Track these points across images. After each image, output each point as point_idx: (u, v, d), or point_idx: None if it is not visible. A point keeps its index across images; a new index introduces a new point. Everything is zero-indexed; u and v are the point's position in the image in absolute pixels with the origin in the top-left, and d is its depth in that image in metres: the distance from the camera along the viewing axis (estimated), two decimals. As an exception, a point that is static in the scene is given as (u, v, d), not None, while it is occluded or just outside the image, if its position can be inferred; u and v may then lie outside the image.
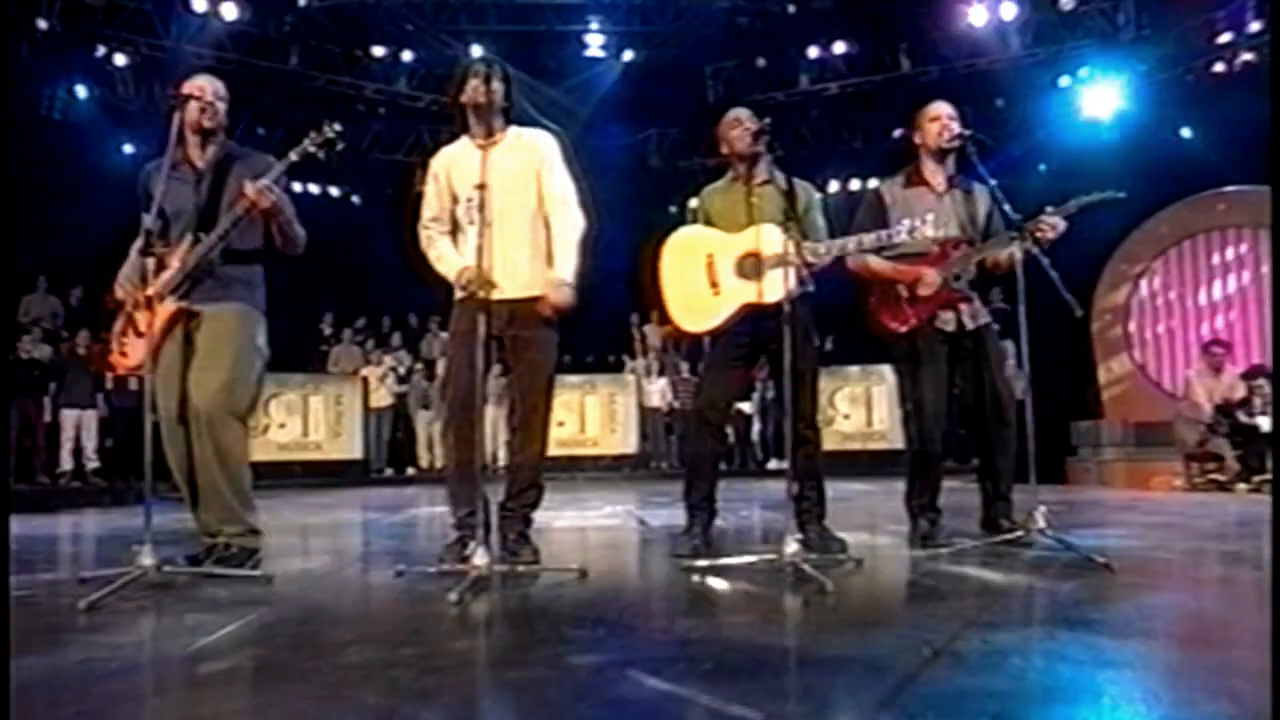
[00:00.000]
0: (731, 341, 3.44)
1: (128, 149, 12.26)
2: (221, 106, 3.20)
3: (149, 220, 3.20)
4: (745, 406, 10.99)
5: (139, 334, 3.17)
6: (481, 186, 2.87)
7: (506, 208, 3.06)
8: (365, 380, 10.75)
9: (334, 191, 13.44)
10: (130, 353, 3.23)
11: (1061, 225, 3.29)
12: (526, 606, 2.44)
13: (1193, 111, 11.63)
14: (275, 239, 3.14)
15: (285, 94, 11.61)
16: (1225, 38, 11.13)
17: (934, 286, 3.45)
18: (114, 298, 3.28)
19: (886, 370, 11.00)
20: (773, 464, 10.86)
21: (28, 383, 9.17)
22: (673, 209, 14.05)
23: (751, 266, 3.33)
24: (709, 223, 3.54)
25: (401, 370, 11.08)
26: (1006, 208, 3.34)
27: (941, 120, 3.54)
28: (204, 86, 3.16)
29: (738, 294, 3.35)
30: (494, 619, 2.27)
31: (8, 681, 1.52)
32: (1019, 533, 3.18)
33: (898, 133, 13.10)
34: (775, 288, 3.20)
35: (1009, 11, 11.44)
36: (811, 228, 3.45)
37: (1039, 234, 3.22)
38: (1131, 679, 1.65)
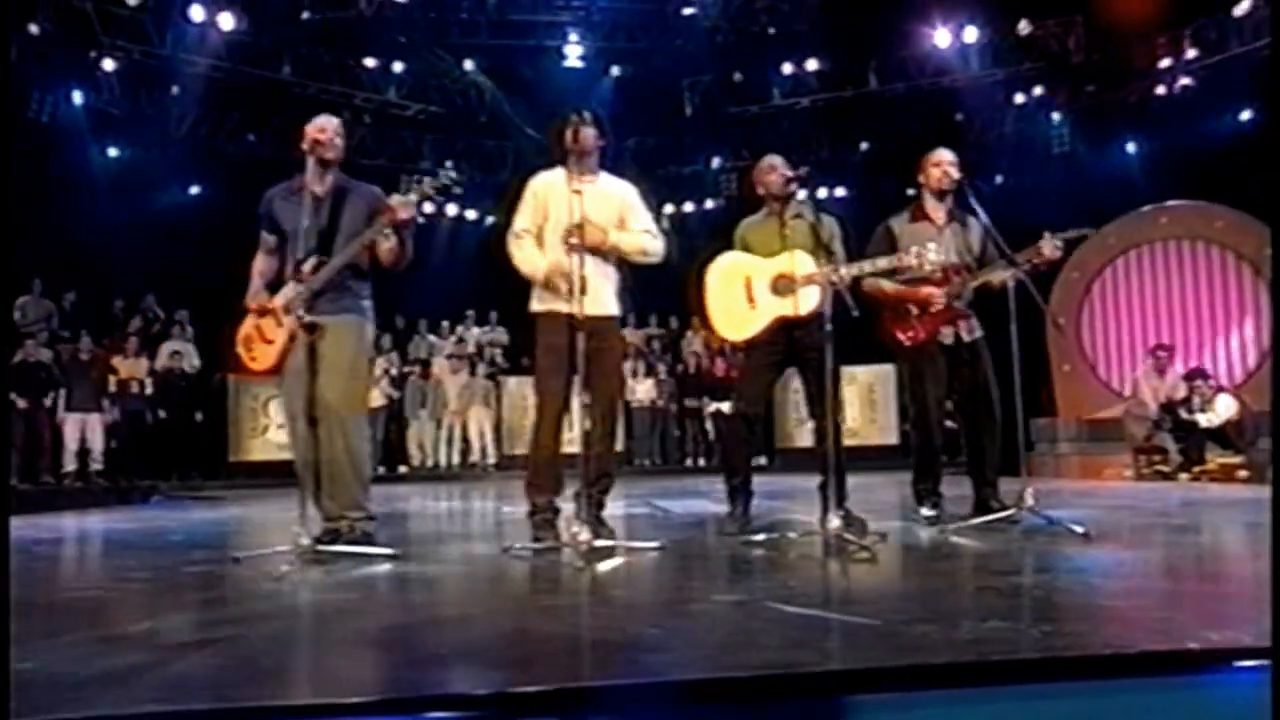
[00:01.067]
0: (766, 350, 4.07)
1: (113, 152, 12.54)
2: (340, 143, 3.72)
3: (269, 241, 3.76)
4: (724, 406, 11.65)
5: (267, 341, 3.69)
6: (579, 226, 3.47)
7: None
8: (360, 382, 11.18)
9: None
10: (259, 357, 3.73)
11: (1056, 256, 4.00)
12: (645, 569, 3.04)
13: (1137, 130, 12.65)
14: (392, 254, 3.63)
15: (276, 101, 11.98)
16: (1165, 63, 12.13)
17: (941, 304, 4.13)
18: (245, 308, 3.76)
19: (859, 370, 11.83)
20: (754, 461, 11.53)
21: (32, 385, 9.44)
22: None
23: (785, 286, 3.96)
24: (745, 250, 4.17)
25: (394, 372, 11.51)
26: (998, 239, 4.03)
27: (943, 166, 4.22)
28: (326, 126, 3.68)
29: (772, 309, 3.98)
30: (629, 578, 2.86)
31: (8, 681, 1.57)
32: (1010, 511, 3.87)
33: (864, 146, 14.00)
34: (808, 301, 3.86)
35: (970, 35, 12.33)
36: (832, 254, 4.09)
37: (1035, 264, 3.92)
38: (1118, 597, 2.33)
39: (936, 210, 4.29)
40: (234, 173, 12.90)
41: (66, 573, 3.89)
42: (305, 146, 3.66)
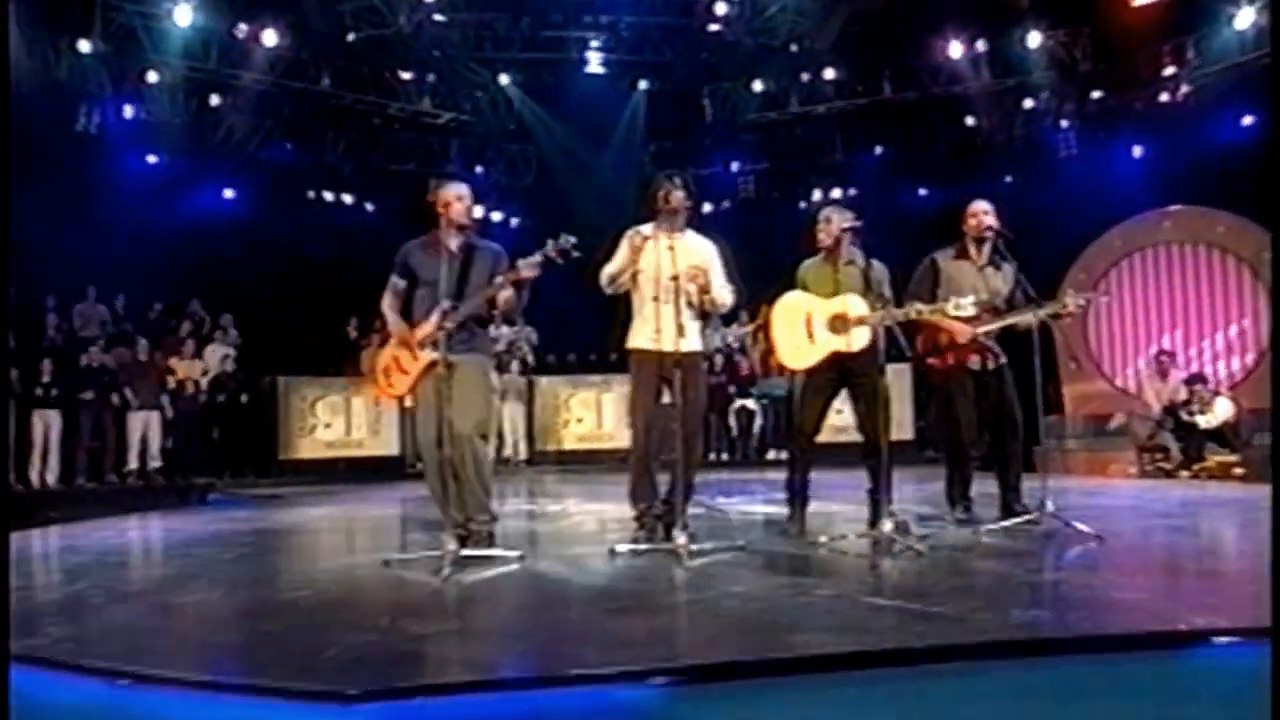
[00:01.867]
0: (821, 377, 4.77)
1: (151, 159, 13.17)
2: (471, 210, 4.38)
3: (399, 284, 4.43)
4: (748, 403, 12.37)
5: (403, 372, 4.38)
6: (675, 278, 4.17)
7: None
8: (400, 382, 11.90)
9: (347, 199, 14.42)
10: (395, 385, 4.42)
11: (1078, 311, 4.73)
12: (739, 567, 3.74)
13: (1142, 136, 13.31)
14: (508, 304, 4.31)
15: (313, 112, 12.63)
16: (1169, 70, 12.78)
17: (966, 338, 4.83)
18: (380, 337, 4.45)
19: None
20: (770, 455, 12.25)
21: (97, 387, 10.11)
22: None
23: (840, 325, 4.65)
24: (804, 289, 4.84)
25: (431, 372, 12.19)
26: (1027, 287, 4.75)
27: (979, 217, 4.90)
28: (464, 195, 4.36)
29: (829, 344, 4.67)
30: (732, 574, 3.55)
31: (7, 682, 1.69)
32: (1032, 515, 4.58)
33: (878, 150, 14.66)
34: (860, 339, 4.56)
35: (981, 45, 12.98)
36: (881, 297, 4.77)
37: (1059, 314, 4.63)
38: (1126, 589, 3.05)
39: (976, 253, 4.97)
40: (271, 180, 13.58)
41: (266, 575, 4.45)
42: (440, 208, 4.33)
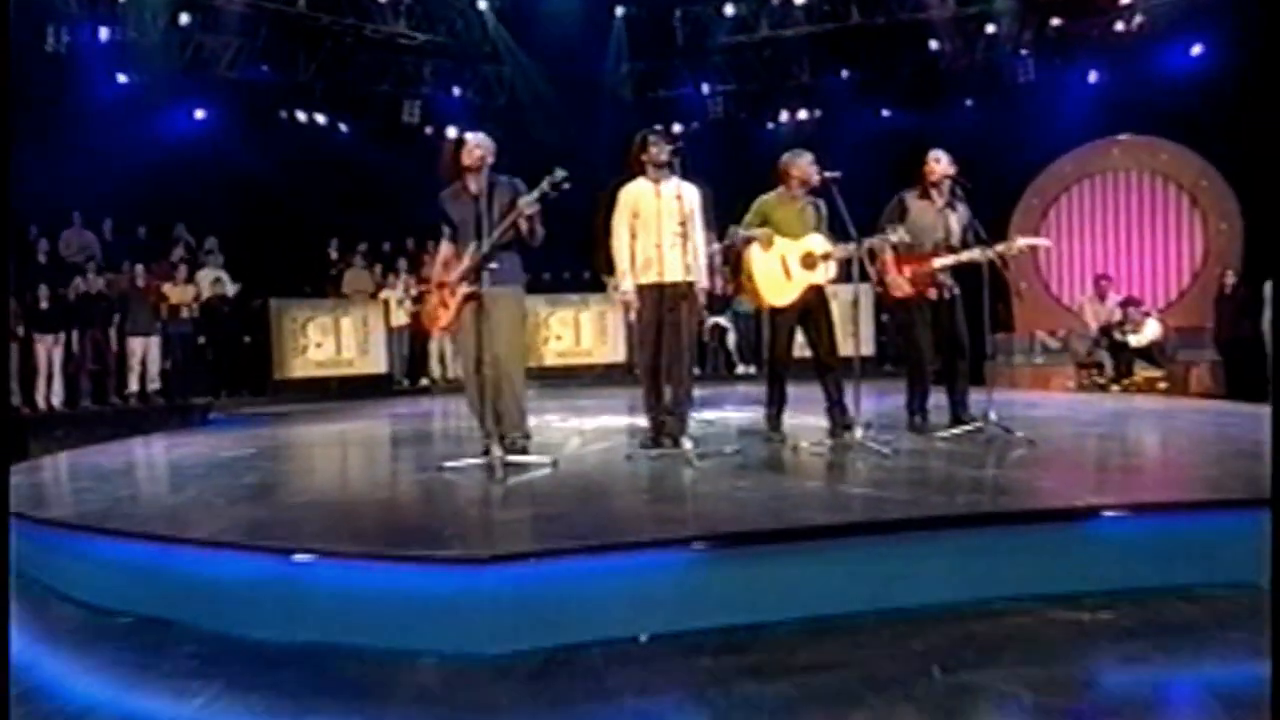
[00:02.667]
0: (792, 313, 5.58)
1: (121, 79, 13.29)
2: (487, 156, 5.04)
3: (448, 232, 5.12)
4: (721, 320, 13.22)
5: (446, 306, 5.10)
6: (684, 222, 4.94)
7: (668, 227, 5.09)
8: (386, 303, 12.51)
9: (320, 120, 14.69)
10: (442, 317, 5.14)
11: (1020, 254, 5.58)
12: (742, 466, 4.61)
13: (1097, 63, 14.07)
14: (527, 236, 5.04)
15: (287, 32, 12.84)
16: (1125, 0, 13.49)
17: (927, 272, 5.68)
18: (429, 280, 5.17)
19: (841, 288, 13.41)
20: (740, 369, 13.17)
21: (95, 314, 10.62)
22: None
23: (812, 261, 5.47)
24: (765, 223, 5.56)
25: (413, 292, 12.79)
26: (978, 228, 5.58)
27: (938, 164, 5.69)
28: (483, 144, 5.02)
29: (804, 279, 5.49)
30: (738, 471, 4.42)
31: (7, 682, 1.77)
32: (978, 424, 5.52)
33: (844, 74, 15.26)
34: (829, 272, 5.42)
35: (947, -29, 13.55)
36: (843, 228, 5.56)
37: (1001, 254, 5.47)
38: (1047, 479, 3.98)
39: (936, 195, 5.78)
40: (243, 101, 13.80)
41: (339, 481, 5.18)
42: (466, 162, 5.00)
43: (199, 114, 13.89)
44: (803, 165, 5.56)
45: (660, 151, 5.16)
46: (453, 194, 5.12)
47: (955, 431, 5.52)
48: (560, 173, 4.95)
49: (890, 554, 3.26)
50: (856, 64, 14.93)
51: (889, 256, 5.74)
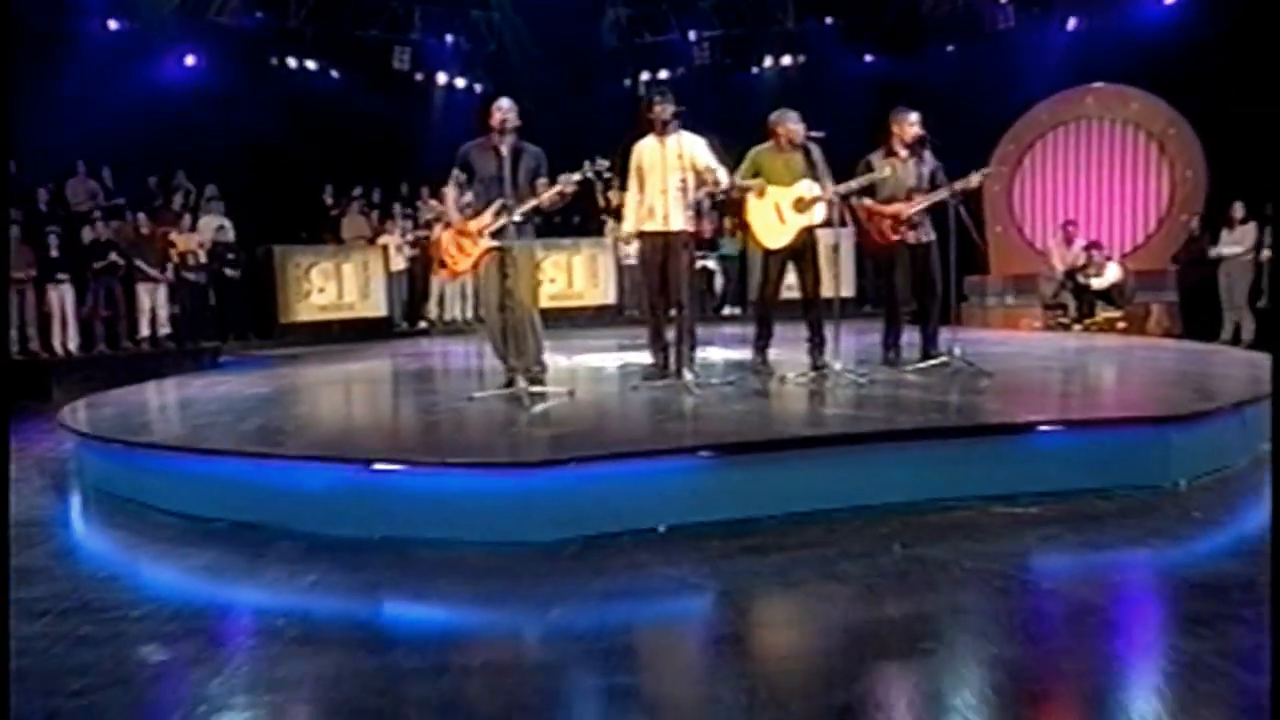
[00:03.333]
0: (782, 256, 6.27)
1: (112, 25, 13.58)
2: (515, 119, 5.64)
3: (461, 177, 5.74)
4: (709, 263, 13.88)
5: (465, 254, 5.75)
6: (684, 180, 5.60)
7: (672, 181, 5.76)
8: (385, 248, 13.08)
9: (311, 65, 15.01)
10: (459, 264, 5.79)
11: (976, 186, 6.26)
12: (736, 394, 5.35)
13: (1075, 10, 14.59)
14: (552, 204, 5.67)
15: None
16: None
17: (904, 216, 6.38)
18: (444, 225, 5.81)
19: (824, 233, 14.13)
20: (726, 310, 13.86)
21: (106, 260, 11.12)
22: (627, 82, 16.47)
23: (803, 206, 6.16)
24: (758, 174, 6.21)
25: (410, 238, 13.35)
26: (942, 173, 6.27)
27: (912, 127, 6.32)
28: (507, 108, 5.63)
29: (797, 222, 6.18)
30: (734, 398, 5.16)
31: (7, 681, 1.80)
32: (944, 358, 6.27)
33: (828, 20, 15.74)
34: (820, 214, 6.10)
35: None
36: (825, 176, 6.22)
37: (961, 189, 6.14)
38: (998, 403, 4.75)
39: (903, 152, 6.44)
40: (233, 46, 14.13)
41: (381, 409, 5.93)
42: (493, 124, 5.62)
43: (190, 60, 14.20)
44: (789, 125, 6.19)
45: (664, 110, 5.79)
46: (479, 148, 5.70)
47: (924, 365, 6.28)
48: (603, 162, 5.57)
49: (861, 461, 4.03)
50: (840, 10, 15.42)
51: (869, 203, 6.42)
